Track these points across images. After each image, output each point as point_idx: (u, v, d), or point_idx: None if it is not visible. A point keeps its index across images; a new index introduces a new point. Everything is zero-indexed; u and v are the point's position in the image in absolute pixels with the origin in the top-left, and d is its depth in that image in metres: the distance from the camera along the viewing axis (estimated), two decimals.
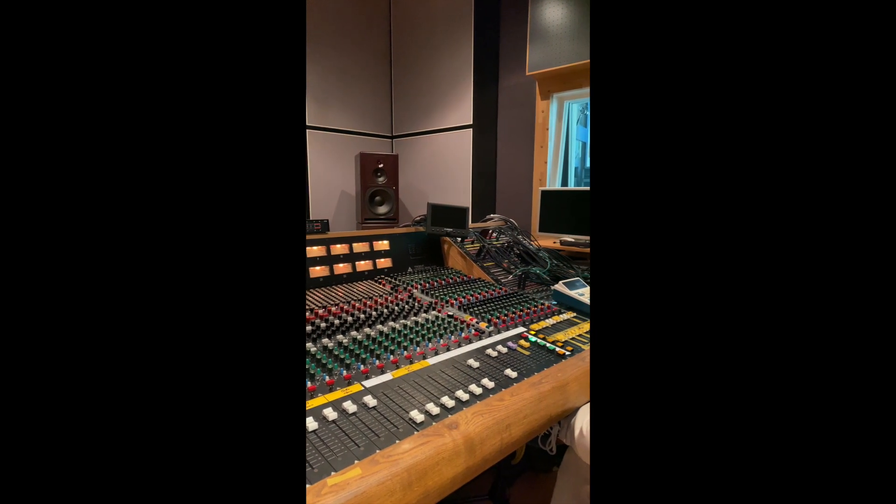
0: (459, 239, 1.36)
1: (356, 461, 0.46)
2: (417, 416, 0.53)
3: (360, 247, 1.18)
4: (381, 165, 2.97)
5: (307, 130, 3.10)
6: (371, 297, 1.00)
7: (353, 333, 0.79)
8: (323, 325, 0.81)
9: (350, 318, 0.85)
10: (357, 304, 0.94)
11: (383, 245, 1.23)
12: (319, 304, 0.93)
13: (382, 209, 3.00)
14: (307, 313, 0.87)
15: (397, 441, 0.49)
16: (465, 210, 1.38)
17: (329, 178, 3.25)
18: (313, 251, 1.09)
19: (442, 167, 3.13)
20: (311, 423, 0.51)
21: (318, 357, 0.69)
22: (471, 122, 2.95)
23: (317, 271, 1.08)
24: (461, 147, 3.00)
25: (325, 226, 1.13)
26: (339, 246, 1.14)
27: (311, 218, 3.17)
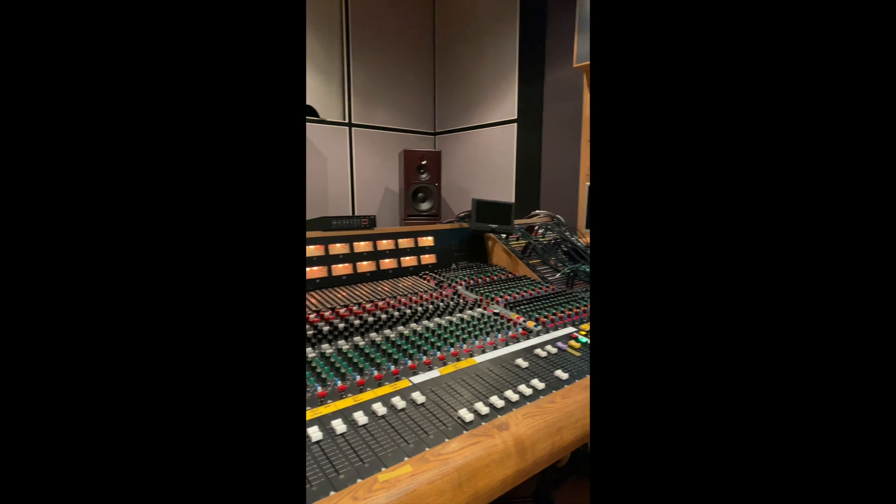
0: (504, 235, 1.34)
1: (406, 458, 0.45)
2: (466, 414, 0.52)
3: (405, 243, 1.19)
4: (423, 162, 2.99)
5: (352, 128, 3.16)
6: (416, 293, 1.00)
7: (400, 328, 0.80)
8: (370, 319, 0.82)
9: (396, 314, 0.86)
10: (403, 300, 0.95)
11: (428, 241, 1.23)
12: (366, 299, 0.95)
13: (425, 205, 3.01)
14: (355, 307, 0.88)
15: (447, 440, 0.49)
16: (510, 206, 1.35)
17: (373, 175, 3.31)
18: (360, 246, 1.11)
19: (485, 163, 3.10)
20: (360, 418, 0.51)
21: (367, 352, 0.70)
22: (515, 117, 2.90)
23: (364, 266, 1.10)
24: (505, 142, 2.95)
25: (372, 221, 1.14)
26: (384, 242, 1.15)
27: (355, 214, 3.24)
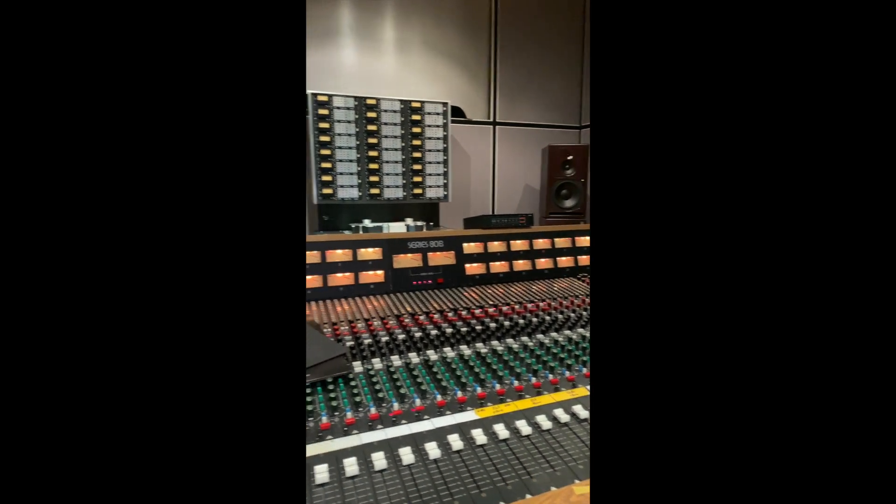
0: None
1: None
2: None
3: (562, 242, 1.15)
4: (569, 157, 2.87)
5: (496, 126, 3.19)
6: (577, 296, 0.95)
7: (567, 332, 0.77)
8: (535, 320, 0.81)
9: (560, 317, 0.83)
10: (564, 303, 0.92)
11: (584, 241, 1.17)
12: (524, 299, 0.94)
13: (569, 202, 2.90)
14: (518, 306, 0.88)
15: None
16: None
17: (514, 173, 3.30)
18: (517, 245, 1.10)
19: None
20: (544, 423, 0.50)
21: (538, 353, 0.68)
22: None
23: (520, 265, 1.09)
24: None
25: (529, 220, 1.13)
26: (541, 241, 1.13)
27: (494, 213, 3.28)
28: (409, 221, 2.46)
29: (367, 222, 2.42)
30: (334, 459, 0.45)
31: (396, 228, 2.36)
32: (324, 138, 2.37)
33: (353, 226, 2.48)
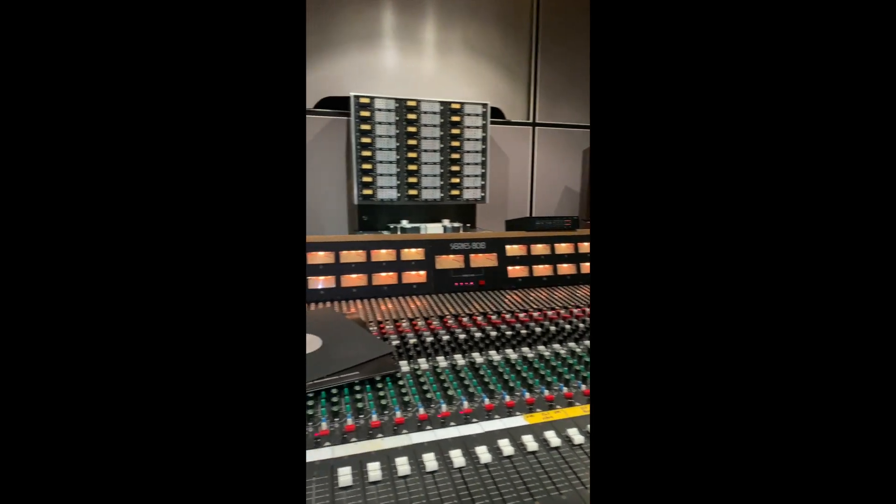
0: None
1: None
2: None
3: None
4: None
5: (535, 127, 3.15)
6: None
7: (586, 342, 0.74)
8: (581, 325, 0.79)
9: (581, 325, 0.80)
10: None
11: None
12: (573, 304, 0.92)
13: None
14: (563, 310, 0.86)
15: None
16: None
17: (553, 174, 3.24)
18: (561, 248, 1.08)
19: None
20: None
21: (587, 360, 0.67)
22: None
23: (564, 268, 1.07)
24: None
25: (574, 223, 1.10)
26: (586, 244, 1.10)
27: (533, 215, 3.24)
28: (446, 222, 2.46)
29: (404, 223, 2.44)
30: (385, 458, 0.45)
31: (434, 229, 2.37)
32: (365, 140, 2.41)
33: (391, 226, 2.52)
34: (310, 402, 0.54)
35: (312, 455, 0.45)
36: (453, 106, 2.55)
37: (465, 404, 0.55)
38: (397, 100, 2.43)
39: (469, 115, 2.58)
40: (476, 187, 2.67)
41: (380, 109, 2.41)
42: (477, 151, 2.64)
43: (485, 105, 2.61)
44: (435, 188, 2.59)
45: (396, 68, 2.78)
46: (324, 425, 0.50)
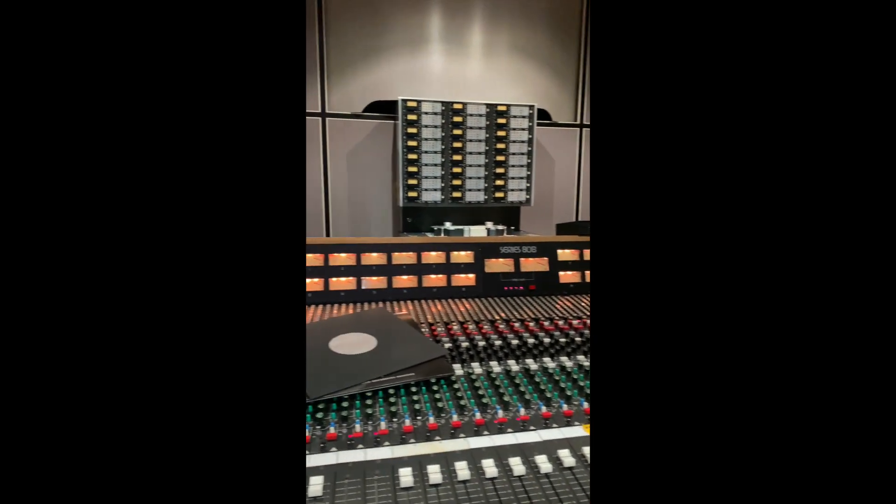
0: None
1: None
2: None
3: None
4: None
5: (583, 129, 3.08)
6: None
7: None
8: None
9: None
10: None
11: None
12: None
13: None
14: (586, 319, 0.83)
15: None
16: None
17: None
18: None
19: None
20: None
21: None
22: None
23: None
24: None
25: None
26: None
27: (579, 219, 3.16)
28: (490, 225, 2.45)
29: (448, 225, 2.45)
30: (445, 461, 0.45)
31: (477, 231, 2.36)
32: (411, 143, 2.45)
33: (434, 228, 2.53)
34: (368, 402, 0.55)
35: (373, 454, 0.46)
36: (499, 108, 2.53)
37: (522, 411, 0.54)
38: (443, 103, 2.45)
39: (515, 116, 2.56)
40: (521, 189, 2.64)
41: (426, 113, 2.43)
42: (522, 153, 2.61)
43: (531, 106, 2.58)
44: (479, 190, 2.59)
45: (443, 72, 2.80)
46: (383, 425, 0.51)
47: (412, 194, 2.50)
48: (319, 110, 2.61)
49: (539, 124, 2.74)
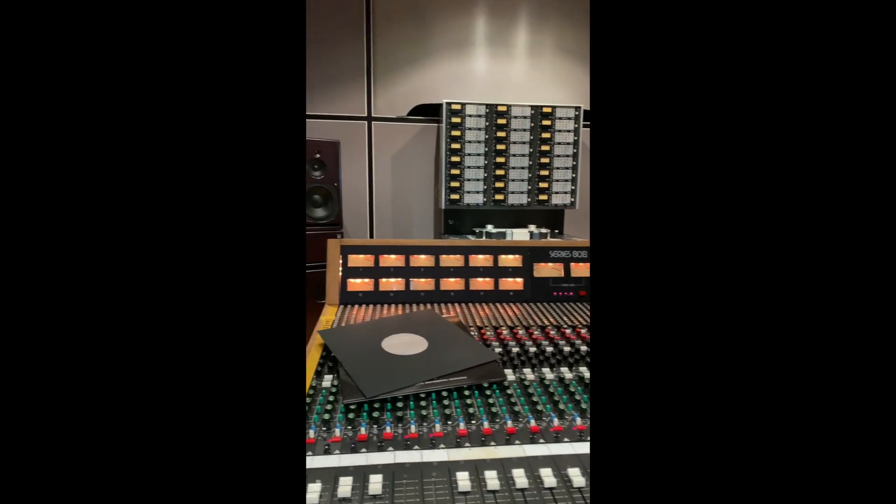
0: None
1: None
2: None
3: None
4: None
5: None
6: None
7: None
8: None
9: None
10: None
11: None
12: None
13: None
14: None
15: None
16: None
17: None
18: None
19: None
20: None
21: None
22: None
23: None
24: None
25: None
26: None
27: None
28: (533, 228, 2.42)
29: (489, 227, 2.44)
30: (501, 467, 0.45)
31: (520, 235, 2.34)
32: (455, 146, 2.46)
33: (476, 230, 2.53)
34: (422, 403, 0.56)
35: (429, 455, 0.46)
36: (544, 109, 2.50)
37: (578, 420, 0.53)
38: (488, 105, 2.44)
39: (560, 118, 2.51)
40: (566, 192, 2.58)
41: (470, 115, 2.44)
42: (568, 156, 2.56)
43: (577, 108, 2.53)
44: (522, 193, 2.56)
45: (487, 74, 2.80)
46: (437, 427, 0.51)
47: (454, 196, 2.51)
48: (366, 114, 2.67)
49: (585, 126, 2.68)
